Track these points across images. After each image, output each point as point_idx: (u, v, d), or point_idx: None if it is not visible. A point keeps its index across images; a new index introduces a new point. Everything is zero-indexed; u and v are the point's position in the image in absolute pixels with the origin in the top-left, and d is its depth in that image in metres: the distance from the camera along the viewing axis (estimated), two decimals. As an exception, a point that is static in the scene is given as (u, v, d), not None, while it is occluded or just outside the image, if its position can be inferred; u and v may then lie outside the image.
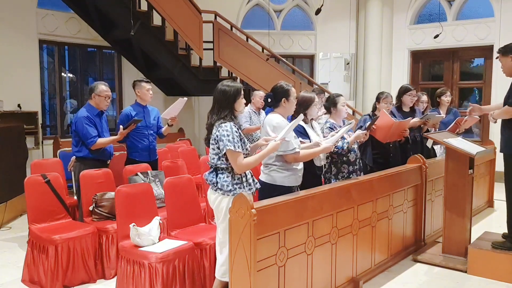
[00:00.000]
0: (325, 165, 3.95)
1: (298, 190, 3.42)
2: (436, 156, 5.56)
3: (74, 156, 4.49)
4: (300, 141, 3.54)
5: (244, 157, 2.96)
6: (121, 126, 4.51)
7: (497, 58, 4.01)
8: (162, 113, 4.85)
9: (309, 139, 3.66)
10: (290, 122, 3.27)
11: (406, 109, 5.06)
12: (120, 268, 3.42)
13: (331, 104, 4.16)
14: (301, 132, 3.65)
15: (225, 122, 2.94)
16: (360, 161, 4.27)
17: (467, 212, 4.18)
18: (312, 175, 3.69)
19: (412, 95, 5.07)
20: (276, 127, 3.31)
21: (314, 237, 3.15)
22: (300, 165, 3.46)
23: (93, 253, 3.77)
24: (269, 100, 3.46)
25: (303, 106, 3.73)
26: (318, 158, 3.73)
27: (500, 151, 3.97)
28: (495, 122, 4.01)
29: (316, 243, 3.18)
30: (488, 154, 6.09)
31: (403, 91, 5.07)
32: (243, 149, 2.95)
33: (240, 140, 2.95)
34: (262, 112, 6.09)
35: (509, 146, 3.84)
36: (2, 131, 5.62)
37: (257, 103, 6.07)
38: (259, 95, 6.09)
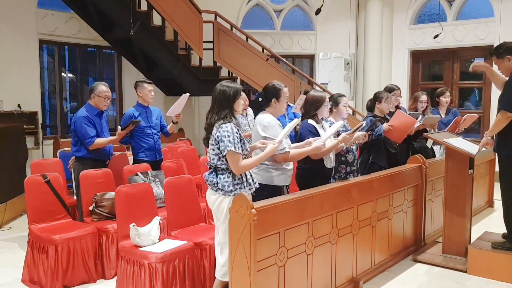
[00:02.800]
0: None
1: (287, 190, 3.43)
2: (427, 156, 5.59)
3: (74, 156, 4.50)
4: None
5: (243, 158, 2.96)
6: (119, 127, 4.53)
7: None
8: (167, 112, 4.85)
9: None
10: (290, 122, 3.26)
11: (391, 108, 5.04)
12: (120, 268, 3.42)
13: (333, 103, 4.16)
14: (312, 132, 3.63)
15: (225, 123, 2.94)
16: (358, 162, 4.25)
17: (467, 212, 4.18)
18: (321, 176, 3.65)
19: (396, 94, 5.10)
20: (266, 126, 3.31)
21: (314, 237, 3.15)
22: (290, 165, 3.45)
23: (93, 253, 3.77)
24: (260, 99, 3.45)
25: (314, 105, 3.71)
26: (328, 160, 3.69)
27: (493, 151, 3.98)
28: (492, 138, 3.94)
29: (316, 243, 3.18)
30: (488, 154, 6.11)
31: (387, 91, 5.07)
32: (242, 150, 2.95)
33: (240, 141, 2.95)
34: (250, 111, 5.96)
35: (500, 147, 3.86)
36: (2, 131, 5.62)
37: (243, 105, 5.92)
38: (244, 98, 5.91)
